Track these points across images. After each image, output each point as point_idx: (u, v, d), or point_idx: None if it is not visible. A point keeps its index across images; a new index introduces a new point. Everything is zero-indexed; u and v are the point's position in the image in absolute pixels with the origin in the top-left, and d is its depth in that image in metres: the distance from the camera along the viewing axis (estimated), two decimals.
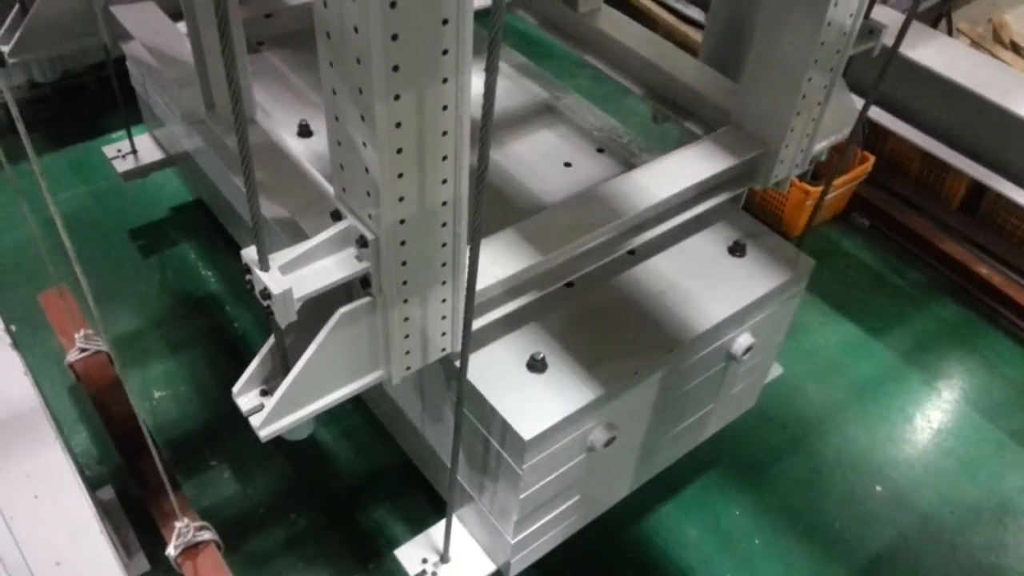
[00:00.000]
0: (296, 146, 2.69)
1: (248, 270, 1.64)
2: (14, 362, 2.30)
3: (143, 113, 3.76)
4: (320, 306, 1.78)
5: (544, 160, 2.88)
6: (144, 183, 4.03)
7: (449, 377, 2.23)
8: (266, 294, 1.60)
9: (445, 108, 1.50)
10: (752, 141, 2.55)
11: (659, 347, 2.28)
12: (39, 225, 2.44)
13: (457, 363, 2.12)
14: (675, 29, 5.04)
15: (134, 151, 3.66)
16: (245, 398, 1.86)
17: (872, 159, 4.10)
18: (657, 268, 2.49)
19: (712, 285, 2.45)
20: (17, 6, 2.95)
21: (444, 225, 1.72)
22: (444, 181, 1.63)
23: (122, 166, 3.63)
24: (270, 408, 1.79)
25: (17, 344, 2.36)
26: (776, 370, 3.11)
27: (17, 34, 2.88)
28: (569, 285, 2.37)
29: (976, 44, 5.08)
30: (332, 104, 1.56)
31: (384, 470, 3.13)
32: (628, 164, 2.85)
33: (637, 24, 3.09)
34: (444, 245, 1.76)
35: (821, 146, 2.74)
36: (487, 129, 1.29)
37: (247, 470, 3.10)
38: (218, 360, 3.45)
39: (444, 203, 1.67)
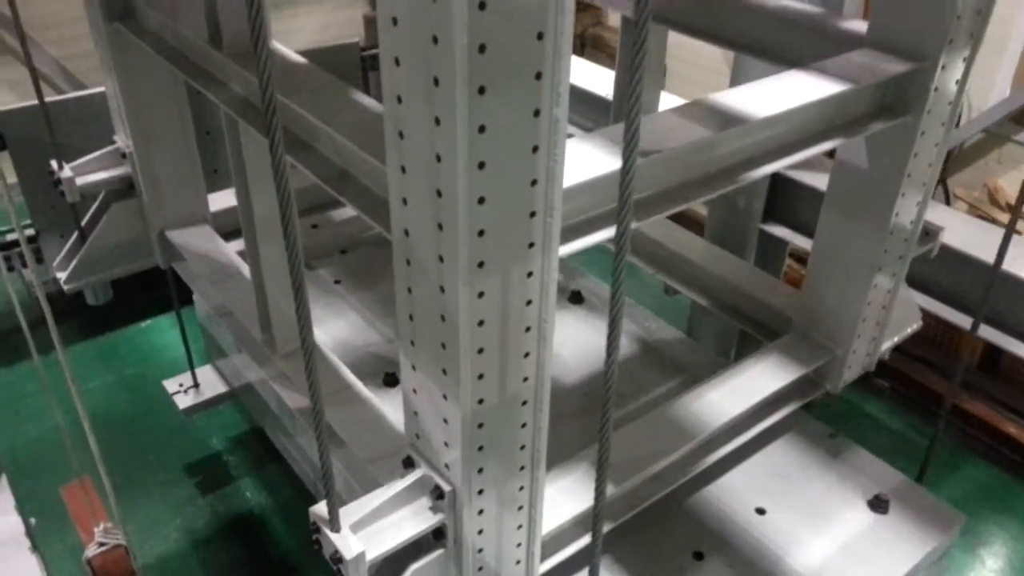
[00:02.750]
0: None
1: (316, 529, 1.53)
2: (32, 567, 2.28)
3: (205, 343, 3.71)
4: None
5: (581, 353, 2.82)
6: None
7: None
8: (337, 558, 1.48)
9: (529, 302, 1.42)
10: (819, 348, 2.47)
11: None
12: (66, 415, 2.43)
13: None
14: None
15: (196, 384, 3.51)
16: None
17: None
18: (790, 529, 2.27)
19: (858, 550, 2.19)
20: (76, 234, 3.02)
21: (524, 426, 1.57)
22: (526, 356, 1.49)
23: (184, 402, 3.46)
24: None
25: (36, 545, 2.34)
26: None
27: (74, 262, 2.93)
28: (699, 557, 2.18)
29: (973, 208, 5.14)
30: (410, 353, 1.51)
31: None
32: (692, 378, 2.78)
33: (684, 229, 3.11)
34: (523, 448, 1.60)
35: (888, 345, 2.66)
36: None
37: None
38: (236, 548, 3.40)
39: (524, 402, 1.55)
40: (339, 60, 4.21)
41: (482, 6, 1.07)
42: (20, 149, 3.68)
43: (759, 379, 2.34)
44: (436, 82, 1.15)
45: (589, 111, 3.38)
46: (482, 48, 1.10)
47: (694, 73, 5.61)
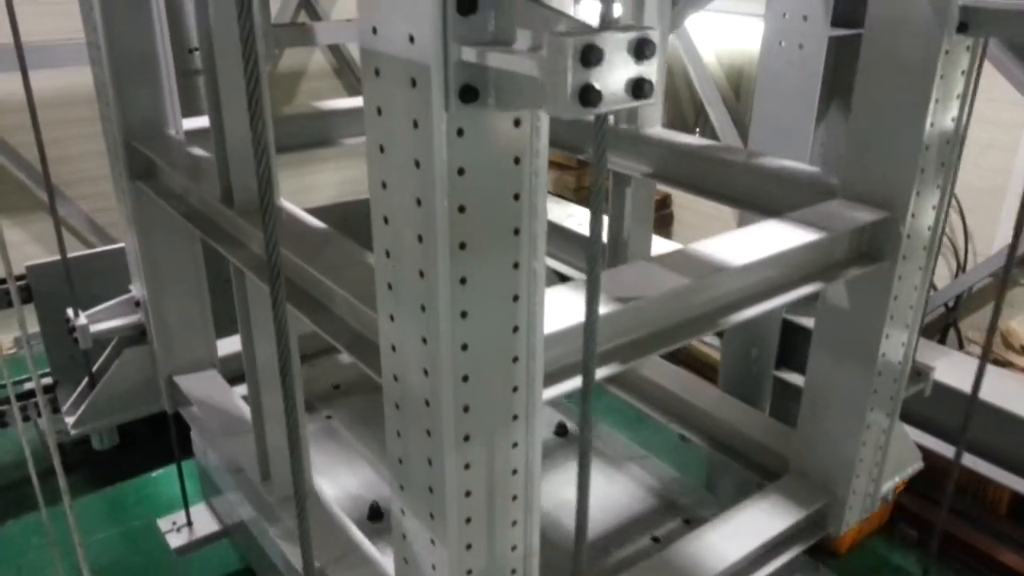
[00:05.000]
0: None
1: None
2: None
3: (201, 481, 3.72)
4: None
5: (597, 509, 2.80)
6: None
7: None
8: None
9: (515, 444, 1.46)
10: (817, 490, 2.46)
11: None
12: (69, 571, 2.31)
13: None
14: (692, 347, 5.18)
15: (189, 523, 3.49)
16: None
17: None
18: None
19: None
20: (86, 379, 3.10)
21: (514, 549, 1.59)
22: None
23: (176, 540, 3.43)
24: None
25: None
26: None
27: (82, 407, 2.99)
28: None
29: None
30: (399, 497, 1.54)
31: None
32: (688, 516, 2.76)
33: (675, 367, 3.16)
34: None
35: (888, 486, 2.64)
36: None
37: None
38: None
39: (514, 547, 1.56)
40: (359, 213, 4.40)
41: (460, 171, 1.18)
42: (44, 301, 3.79)
43: (757, 522, 2.33)
44: (420, 239, 1.24)
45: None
46: (461, 208, 1.20)
47: (702, 221, 5.83)
